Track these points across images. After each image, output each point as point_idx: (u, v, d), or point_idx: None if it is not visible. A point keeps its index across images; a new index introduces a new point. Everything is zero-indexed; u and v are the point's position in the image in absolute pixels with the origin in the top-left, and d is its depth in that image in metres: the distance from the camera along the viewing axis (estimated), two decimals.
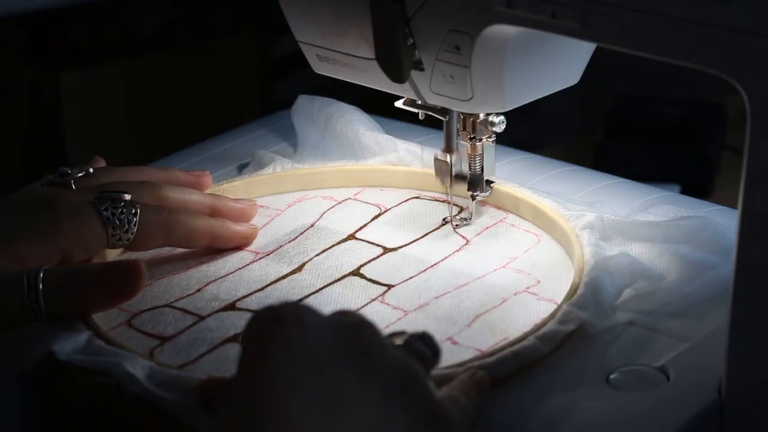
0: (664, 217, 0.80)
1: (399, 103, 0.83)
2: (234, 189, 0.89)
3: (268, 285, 0.79)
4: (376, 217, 0.87)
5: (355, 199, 0.89)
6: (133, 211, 0.77)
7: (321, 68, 0.83)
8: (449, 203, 0.85)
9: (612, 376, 0.68)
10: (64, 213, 0.76)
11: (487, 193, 0.84)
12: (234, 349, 0.72)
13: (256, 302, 0.77)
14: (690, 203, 0.87)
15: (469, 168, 0.83)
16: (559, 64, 0.78)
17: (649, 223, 0.79)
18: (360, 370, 0.57)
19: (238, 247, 0.83)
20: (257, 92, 2.20)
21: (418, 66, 0.76)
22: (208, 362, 0.72)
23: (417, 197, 0.88)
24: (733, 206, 0.65)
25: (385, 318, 0.75)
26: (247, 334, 0.59)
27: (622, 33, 0.65)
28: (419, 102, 0.81)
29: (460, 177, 0.83)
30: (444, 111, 0.81)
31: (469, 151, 0.82)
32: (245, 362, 0.59)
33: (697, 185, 1.17)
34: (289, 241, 0.84)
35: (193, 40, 2.21)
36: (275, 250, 0.83)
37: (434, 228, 0.85)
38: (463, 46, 0.73)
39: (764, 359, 0.64)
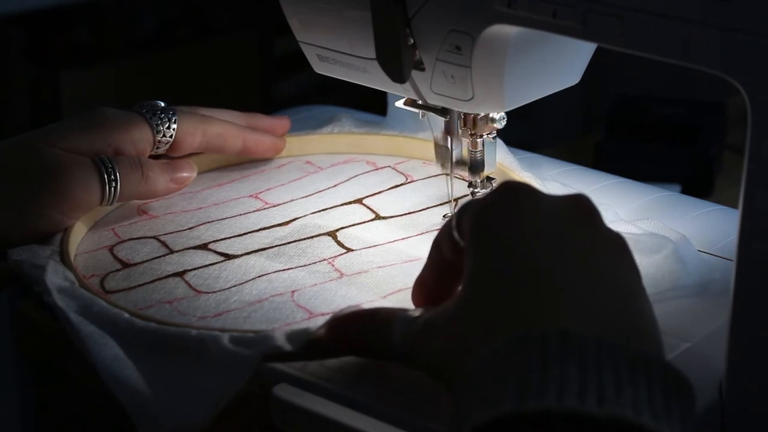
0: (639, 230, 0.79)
1: (399, 103, 0.83)
2: (289, 144, 0.92)
3: (248, 233, 0.82)
4: (396, 186, 0.88)
5: (393, 168, 0.91)
6: (171, 112, 0.86)
7: (321, 68, 0.83)
8: (450, 202, 0.85)
9: None
10: (113, 115, 0.84)
11: (487, 190, 0.83)
12: (170, 284, 0.75)
13: (226, 245, 0.80)
14: (691, 203, 0.87)
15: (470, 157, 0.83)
16: (560, 64, 0.78)
17: None
18: (591, 230, 0.61)
19: (268, 157, 0.91)
20: (257, 92, 2.20)
21: (419, 66, 0.76)
22: (140, 292, 0.75)
23: (448, 174, 0.86)
24: (734, 206, 0.65)
25: (320, 277, 0.76)
26: (484, 207, 0.62)
27: (622, 33, 0.65)
28: (420, 102, 0.81)
29: (460, 162, 0.83)
30: (444, 111, 0.81)
31: (470, 147, 0.82)
32: (492, 225, 0.61)
33: (697, 185, 1.17)
34: (301, 197, 0.86)
35: (194, 40, 2.21)
36: (284, 203, 0.85)
37: (431, 205, 0.85)
38: (464, 46, 0.73)
39: (764, 359, 0.64)
